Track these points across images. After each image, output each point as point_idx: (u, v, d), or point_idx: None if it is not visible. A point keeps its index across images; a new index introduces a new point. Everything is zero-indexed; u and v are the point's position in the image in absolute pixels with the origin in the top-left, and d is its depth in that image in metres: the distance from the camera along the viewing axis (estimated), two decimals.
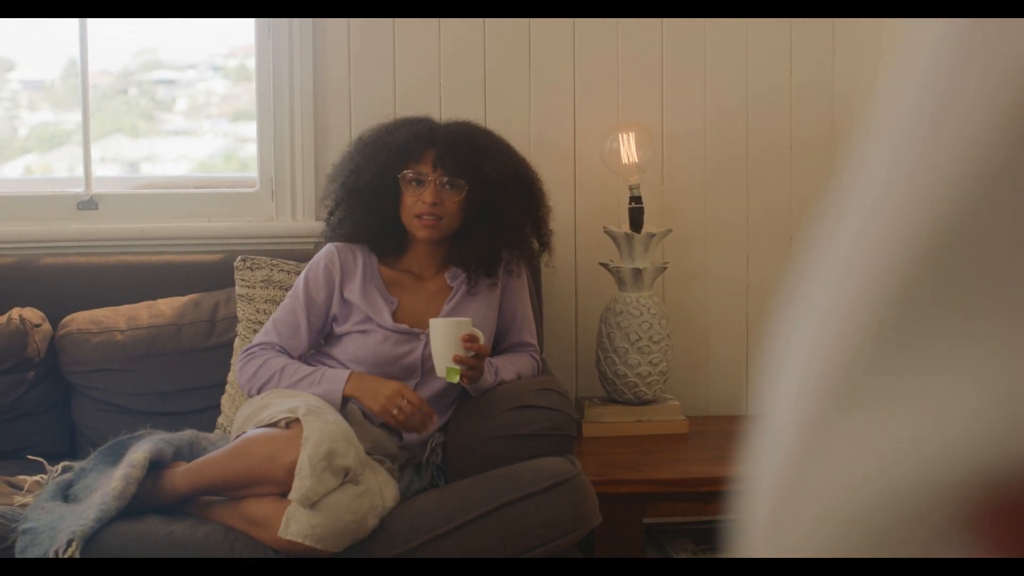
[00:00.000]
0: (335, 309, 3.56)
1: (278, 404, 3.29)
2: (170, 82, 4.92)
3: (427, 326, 3.52)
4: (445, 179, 3.54)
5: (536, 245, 3.75)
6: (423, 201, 3.53)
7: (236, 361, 3.57)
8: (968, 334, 0.41)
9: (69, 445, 3.88)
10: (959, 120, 0.41)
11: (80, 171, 4.31)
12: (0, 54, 4.71)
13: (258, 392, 3.47)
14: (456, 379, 3.39)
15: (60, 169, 4.51)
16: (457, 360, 3.38)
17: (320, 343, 3.62)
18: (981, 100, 0.41)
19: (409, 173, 3.55)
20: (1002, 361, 0.40)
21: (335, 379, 3.44)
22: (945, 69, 0.43)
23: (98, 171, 4.47)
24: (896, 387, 0.42)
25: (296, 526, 3.08)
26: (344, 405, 3.42)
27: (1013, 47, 0.40)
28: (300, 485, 3.06)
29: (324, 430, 3.12)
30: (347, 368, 3.49)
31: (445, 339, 3.40)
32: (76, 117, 4.47)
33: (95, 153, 4.44)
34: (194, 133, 4.92)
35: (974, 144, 0.41)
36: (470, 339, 3.39)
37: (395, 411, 3.37)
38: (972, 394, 0.41)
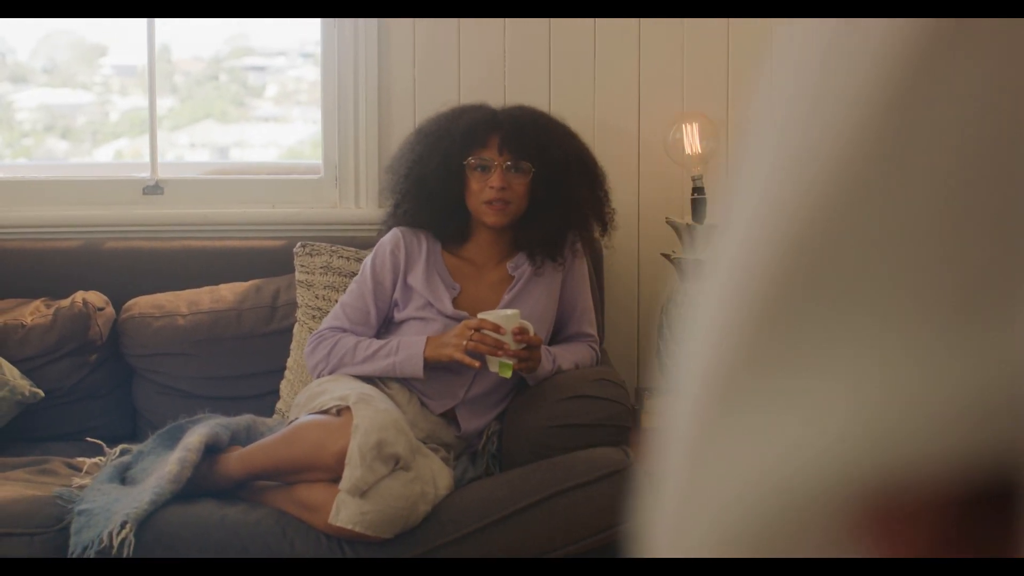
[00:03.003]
0: (397, 294, 3.56)
1: (331, 391, 3.31)
2: (260, 69, 4.95)
3: None
4: (511, 163, 3.53)
5: (598, 229, 3.73)
6: (491, 186, 3.52)
7: (306, 345, 3.57)
8: (839, 339, 0.41)
9: (130, 428, 3.92)
10: (827, 121, 0.42)
11: (170, 156, 4.34)
12: (92, 40, 4.76)
13: (331, 372, 3.48)
14: (508, 374, 3.38)
15: (158, 155, 4.54)
16: (510, 355, 3.36)
17: (381, 331, 3.62)
18: (848, 99, 0.41)
19: (474, 160, 3.54)
20: (874, 366, 0.40)
21: (414, 345, 3.43)
22: (816, 69, 0.43)
23: (188, 156, 4.50)
24: (774, 389, 0.43)
25: (346, 513, 3.09)
26: (426, 370, 3.41)
27: (877, 47, 0.41)
28: (350, 475, 3.07)
29: (374, 418, 3.12)
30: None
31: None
32: (168, 102, 4.51)
33: (185, 138, 4.47)
34: (283, 120, 4.95)
35: (839, 145, 0.41)
36: (521, 332, 3.38)
37: (468, 343, 3.35)
38: (845, 398, 0.41)
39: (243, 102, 4.97)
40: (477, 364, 3.36)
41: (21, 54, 4.71)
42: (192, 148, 4.89)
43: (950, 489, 0.41)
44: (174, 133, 4.77)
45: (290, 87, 4.96)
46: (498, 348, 3.34)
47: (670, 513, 0.46)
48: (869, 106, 0.40)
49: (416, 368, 3.41)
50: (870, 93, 0.40)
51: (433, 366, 3.43)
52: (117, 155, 4.87)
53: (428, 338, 3.44)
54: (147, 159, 4.32)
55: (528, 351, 3.39)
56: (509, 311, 3.43)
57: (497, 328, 3.35)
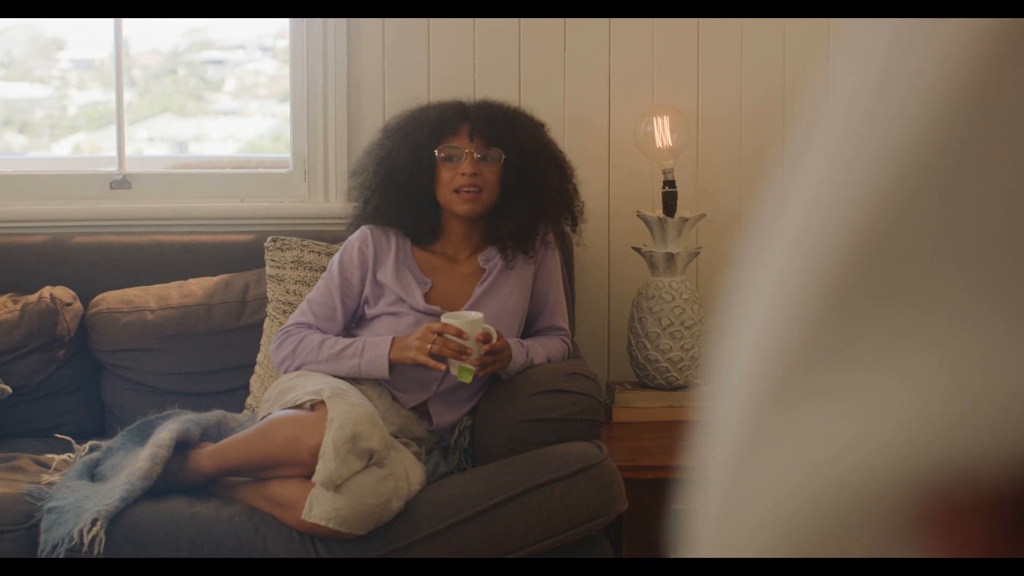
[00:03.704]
0: (367, 291, 3.55)
1: (304, 386, 3.29)
2: (219, 62, 4.93)
3: (459, 309, 3.51)
4: (481, 151, 3.52)
5: (568, 221, 3.72)
6: (462, 173, 3.50)
7: (272, 341, 3.55)
8: (905, 333, 0.41)
9: (98, 424, 3.89)
10: (895, 116, 0.42)
11: (129, 150, 4.32)
12: (50, 33, 4.72)
13: (296, 369, 3.46)
14: (469, 379, 3.35)
15: (109, 148, 4.51)
16: (474, 361, 3.34)
17: (352, 326, 3.60)
18: (918, 95, 0.41)
19: (444, 149, 3.53)
20: (938, 360, 0.40)
21: (379, 346, 3.41)
22: (881, 66, 0.43)
23: (146, 150, 4.46)
24: (834, 384, 0.42)
25: (320, 509, 3.07)
26: (391, 371, 3.40)
27: (943, 45, 0.41)
28: (324, 468, 3.06)
29: (349, 412, 3.11)
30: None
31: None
32: (126, 96, 4.48)
33: (143, 133, 4.43)
34: (242, 113, 4.93)
35: (903, 141, 0.41)
36: (484, 338, 3.36)
37: (431, 347, 3.32)
38: (907, 393, 0.41)
39: (202, 96, 4.95)
40: (443, 367, 3.34)
41: None
42: (151, 142, 4.86)
43: (1010, 485, 0.40)
44: (132, 127, 4.74)
45: (249, 81, 4.94)
46: (461, 353, 3.32)
47: (716, 510, 0.46)
48: (940, 101, 0.40)
49: (381, 370, 3.40)
50: (941, 89, 0.40)
51: (399, 366, 3.41)
52: (75, 149, 4.83)
53: (394, 339, 3.42)
54: (106, 153, 4.29)
55: (492, 356, 3.37)
56: (474, 315, 3.40)
57: (460, 333, 3.33)
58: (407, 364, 3.39)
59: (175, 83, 4.91)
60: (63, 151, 4.79)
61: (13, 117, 4.80)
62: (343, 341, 3.46)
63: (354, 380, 3.43)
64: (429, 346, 3.32)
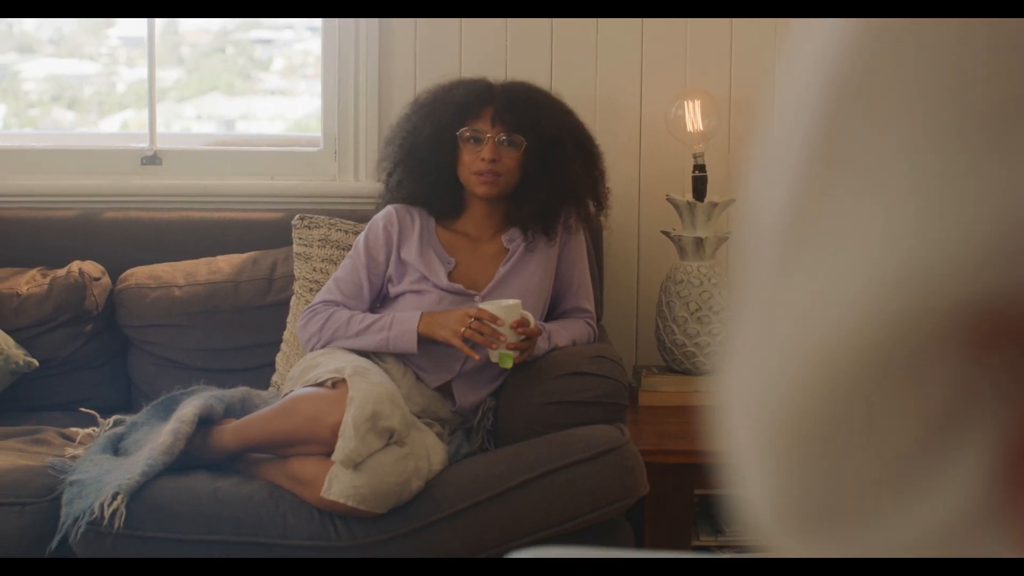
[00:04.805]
0: (391, 269, 3.55)
1: (326, 364, 3.30)
2: (267, 42, 4.94)
3: (482, 288, 3.51)
4: (503, 136, 3.52)
5: (592, 206, 3.71)
6: (481, 158, 3.50)
7: (299, 318, 3.56)
8: (880, 161, 0.44)
9: (124, 399, 3.91)
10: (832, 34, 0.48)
11: (176, 128, 4.33)
12: None
13: (323, 345, 3.46)
14: (509, 364, 3.36)
15: (157, 125, 4.54)
16: (510, 346, 3.35)
17: (376, 305, 3.61)
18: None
19: (467, 131, 3.53)
20: (907, 183, 0.43)
21: (408, 320, 3.42)
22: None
23: (194, 128, 4.47)
24: (836, 215, 0.45)
25: (339, 487, 3.07)
26: (420, 345, 3.40)
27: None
28: (343, 446, 3.06)
29: (369, 391, 3.11)
30: None
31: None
32: (174, 74, 4.49)
33: (191, 110, 4.44)
34: (290, 93, 4.94)
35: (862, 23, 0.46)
36: (521, 323, 3.36)
37: (464, 330, 3.33)
38: (912, 209, 0.43)
39: (249, 75, 4.96)
40: (476, 356, 3.34)
41: (28, 24, 4.69)
42: (198, 120, 4.88)
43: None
44: (180, 104, 4.76)
45: (297, 60, 4.95)
46: (495, 339, 3.32)
47: (746, 371, 0.48)
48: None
49: (410, 343, 3.40)
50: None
51: (427, 342, 3.41)
52: (123, 126, 4.85)
53: (423, 314, 3.42)
54: (158, 130, 4.31)
55: (528, 341, 3.38)
56: (510, 301, 3.40)
57: (495, 319, 3.33)
58: (437, 341, 3.39)
59: (223, 62, 4.92)
60: (111, 128, 4.82)
61: (62, 93, 4.82)
62: (371, 316, 3.47)
63: (378, 358, 3.43)
64: (463, 329, 3.32)
